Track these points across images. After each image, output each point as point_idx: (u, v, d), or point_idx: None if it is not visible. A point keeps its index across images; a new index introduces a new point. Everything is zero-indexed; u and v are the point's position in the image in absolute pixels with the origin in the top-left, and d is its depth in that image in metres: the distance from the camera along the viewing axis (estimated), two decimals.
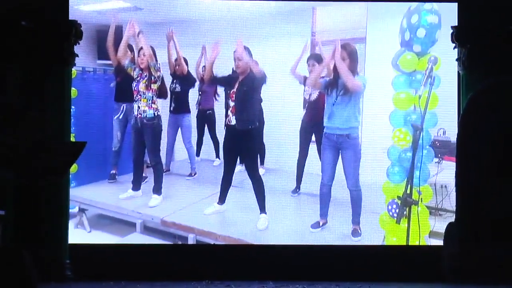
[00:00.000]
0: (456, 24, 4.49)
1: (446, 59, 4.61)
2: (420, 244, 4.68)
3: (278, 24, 4.64)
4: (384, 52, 4.67)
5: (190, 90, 4.92)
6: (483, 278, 4.11)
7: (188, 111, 4.90)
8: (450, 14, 4.56)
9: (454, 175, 4.63)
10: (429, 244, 4.70)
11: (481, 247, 4.13)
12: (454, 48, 4.50)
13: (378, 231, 4.76)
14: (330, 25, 4.65)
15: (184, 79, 4.82)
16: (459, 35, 4.44)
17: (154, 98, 4.75)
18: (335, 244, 4.69)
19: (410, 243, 4.67)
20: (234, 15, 4.63)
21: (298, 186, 4.87)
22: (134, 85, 4.73)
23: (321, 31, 4.66)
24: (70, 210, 4.63)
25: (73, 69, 4.54)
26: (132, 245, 4.70)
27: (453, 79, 4.65)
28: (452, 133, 4.71)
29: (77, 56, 4.40)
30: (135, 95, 4.74)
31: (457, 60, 4.51)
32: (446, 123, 4.75)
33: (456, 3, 4.53)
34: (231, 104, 4.66)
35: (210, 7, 4.66)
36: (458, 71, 4.53)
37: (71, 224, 4.65)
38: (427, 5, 4.58)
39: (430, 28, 4.58)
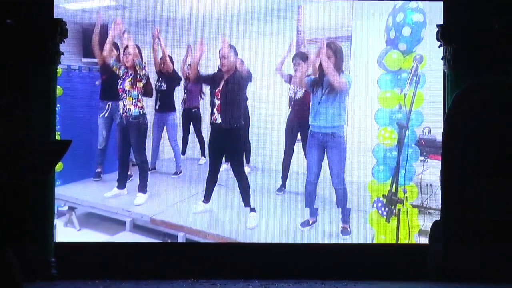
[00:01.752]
0: (442, 23, 4.46)
1: (432, 57, 4.58)
2: (409, 242, 4.66)
3: (264, 22, 4.63)
4: (370, 51, 4.67)
5: (176, 88, 4.87)
6: (468, 276, 4.10)
7: (173, 109, 4.88)
8: (435, 13, 4.56)
9: (439, 173, 4.65)
10: (418, 242, 4.68)
11: (466, 246, 4.11)
12: (439, 47, 4.48)
13: (367, 229, 4.74)
14: (315, 23, 4.62)
15: (169, 78, 4.81)
16: (444, 34, 4.41)
17: (140, 96, 4.74)
18: (324, 242, 4.65)
19: (399, 242, 4.64)
20: (219, 13, 4.62)
21: (283, 184, 4.85)
22: (119, 84, 4.70)
23: (306, 29, 4.64)
24: (60, 209, 4.67)
25: (58, 67, 4.51)
26: (117, 244, 4.69)
27: (439, 77, 4.65)
28: (437, 132, 4.70)
29: (63, 54, 4.37)
30: (120, 93, 4.73)
31: (442, 58, 4.50)
32: (432, 121, 4.75)
33: (442, 2, 4.48)
34: (217, 102, 4.64)
35: (195, 5, 4.66)
36: (443, 70, 4.50)
37: (60, 222, 4.67)
38: (413, 4, 4.57)
39: (415, 26, 4.57)
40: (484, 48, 4.26)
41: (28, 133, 2.83)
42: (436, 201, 4.73)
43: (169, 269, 4.32)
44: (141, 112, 4.74)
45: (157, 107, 4.84)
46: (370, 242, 4.72)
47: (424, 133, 4.82)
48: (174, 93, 4.89)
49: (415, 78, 4.60)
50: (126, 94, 4.69)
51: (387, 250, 4.60)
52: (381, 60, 4.67)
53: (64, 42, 4.37)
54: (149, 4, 4.60)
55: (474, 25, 4.31)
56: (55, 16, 4.38)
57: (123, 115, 4.72)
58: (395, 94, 4.71)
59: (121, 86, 4.69)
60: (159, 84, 4.83)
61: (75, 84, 4.76)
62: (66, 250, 4.34)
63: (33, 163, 2.68)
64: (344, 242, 4.65)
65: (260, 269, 4.32)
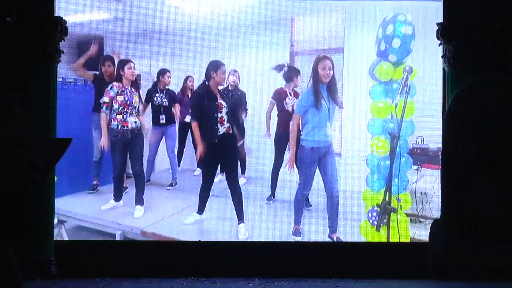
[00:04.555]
0: (441, 21, 4.26)
1: (422, 68, 4.48)
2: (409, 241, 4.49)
3: (258, 34, 4.53)
4: (361, 62, 4.59)
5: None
6: (468, 275, 3.88)
7: (174, 121, 4.68)
8: (424, 25, 4.45)
9: (433, 182, 4.46)
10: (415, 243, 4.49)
11: (466, 245, 3.89)
12: (439, 45, 4.31)
13: (359, 239, 4.52)
14: (308, 35, 4.50)
15: (167, 92, 4.62)
16: (444, 32, 4.24)
17: (139, 109, 4.57)
18: (324, 241, 4.48)
19: None
20: (214, 24, 4.49)
21: (272, 193, 4.65)
22: (125, 99, 4.48)
23: (300, 41, 4.49)
24: None
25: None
26: (117, 242, 4.48)
27: (429, 88, 4.52)
28: (430, 141, 4.56)
29: (63, 52, 4.15)
30: (124, 108, 4.51)
31: (442, 57, 4.32)
32: (424, 131, 4.60)
33: (441, 1, 4.35)
34: (219, 115, 4.40)
35: (189, 17, 4.52)
36: (443, 68, 4.33)
37: None
38: (401, 17, 4.52)
39: (404, 38, 4.50)
40: (484, 47, 4.09)
41: (28, 132, 2.64)
42: (431, 209, 4.58)
43: (169, 267, 4.10)
44: (141, 124, 4.60)
45: (162, 121, 4.66)
46: None
47: (417, 142, 4.69)
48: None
49: (405, 88, 4.50)
50: (133, 108, 4.51)
51: (387, 249, 4.42)
52: (372, 71, 4.59)
53: (64, 40, 4.13)
54: (143, 16, 4.45)
55: (475, 24, 4.13)
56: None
57: (129, 128, 4.52)
58: (387, 104, 4.62)
59: (127, 102, 4.48)
60: (160, 99, 4.64)
61: (70, 97, 4.54)
62: (66, 249, 4.12)
63: (33, 162, 2.56)
64: (345, 241, 4.47)
65: (261, 268, 4.11)
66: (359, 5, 4.49)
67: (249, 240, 4.46)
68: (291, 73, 4.56)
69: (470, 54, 4.11)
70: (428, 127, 4.62)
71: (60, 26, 4.04)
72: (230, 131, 4.52)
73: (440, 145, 4.63)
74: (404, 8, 4.49)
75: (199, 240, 4.40)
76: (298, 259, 4.21)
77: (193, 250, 4.25)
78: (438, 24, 4.28)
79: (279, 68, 4.55)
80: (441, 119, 4.60)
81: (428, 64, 4.52)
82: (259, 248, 4.27)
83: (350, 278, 4.06)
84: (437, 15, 4.51)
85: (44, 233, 3.98)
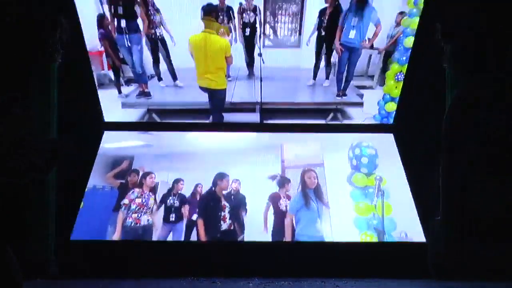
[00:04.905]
0: (438, 25, 4.17)
1: (390, 176, 4.99)
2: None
3: (256, 154, 5.17)
4: (340, 173, 5.04)
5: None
6: (468, 275, 3.33)
7: (182, 219, 4.83)
8: (384, 146, 5.24)
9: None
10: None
11: (466, 245, 3.46)
12: (440, 44, 4.14)
13: None
14: (294, 155, 5.23)
15: (179, 196, 5.00)
16: (445, 32, 4.08)
17: (153, 210, 4.82)
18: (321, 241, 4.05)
19: None
20: (221, 148, 5.22)
21: None
22: (143, 201, 4.73)
23: (288, 159, 5.19)
24: None
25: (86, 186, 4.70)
26: (118, 242, 4.02)
27: (400, 191, 4.90)
28: (413, 236, 4.63)
29: (62, 52, 3.94)
30: (141, 208, 4.70)
31: (442, 56, 4.15)
32: (405, 226, 4.70)
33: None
34: (222, 214, 4.69)
35: (203, 142, 5.29)
36: (444, 68, 4.18)
37: None
38: (365, 143, 5.29)
39: (370, 157, 5.12)
40: (485, 47, 3.84)
41: (28, 132, 2.60)
42: None
43: (169, 267, 3.37)
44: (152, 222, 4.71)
45: (171, 219, 4.76)
46: None
47: (402, 236, 4.67)
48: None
49: (380, 192, 4.88)
50: (147, 209, 4.68)
51: (387, 249, 3.83)
52: (350, 180, 5.02)
53: (64, 39, 3.94)
54: (167, 143, 5.23)
55: (475, 24, 3.90)
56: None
57: (141, 225, 4.50)
58: (367, 204, 4.83)
59: (144, 203, 4.74)
60: (172, 201, 4.95)
61: (96, 200, 4.84)
62: (66, 249, 3.60)
63: (33, 162, 2.51)
64: (344, 241, 4.06)
65: (261, 268, 3.39)
66: (331, 135, 5.44)
67: (249, 240, 3.98)
68: (283, 181, 4.99)
69: (470, 54, 3.84)
70: (407, 223, 4.72)
71: (60, 27, 3.83)
72: (232, 228, 4.65)
73: (423, 239, 4.65)
74: (366, 137, 5.44)
75: (199, 240, 3.86)
76: (298, 259, 3.62)
77: (193, 250, 3.71)
78: (438, 23, 4.05)
79: (273, 177, 5.05)
80: (417, 217, 4.82)
81: (393, 174, 5.03)
82: (259, 248, 3.74)
83: (350, 278, 3.52)
84: (391, 142, 5.42)
85: (44, 233, 3.56)
